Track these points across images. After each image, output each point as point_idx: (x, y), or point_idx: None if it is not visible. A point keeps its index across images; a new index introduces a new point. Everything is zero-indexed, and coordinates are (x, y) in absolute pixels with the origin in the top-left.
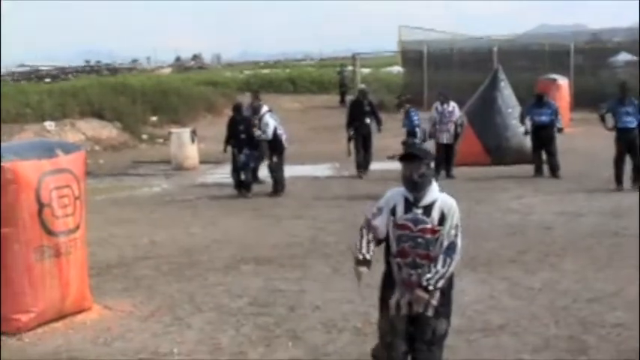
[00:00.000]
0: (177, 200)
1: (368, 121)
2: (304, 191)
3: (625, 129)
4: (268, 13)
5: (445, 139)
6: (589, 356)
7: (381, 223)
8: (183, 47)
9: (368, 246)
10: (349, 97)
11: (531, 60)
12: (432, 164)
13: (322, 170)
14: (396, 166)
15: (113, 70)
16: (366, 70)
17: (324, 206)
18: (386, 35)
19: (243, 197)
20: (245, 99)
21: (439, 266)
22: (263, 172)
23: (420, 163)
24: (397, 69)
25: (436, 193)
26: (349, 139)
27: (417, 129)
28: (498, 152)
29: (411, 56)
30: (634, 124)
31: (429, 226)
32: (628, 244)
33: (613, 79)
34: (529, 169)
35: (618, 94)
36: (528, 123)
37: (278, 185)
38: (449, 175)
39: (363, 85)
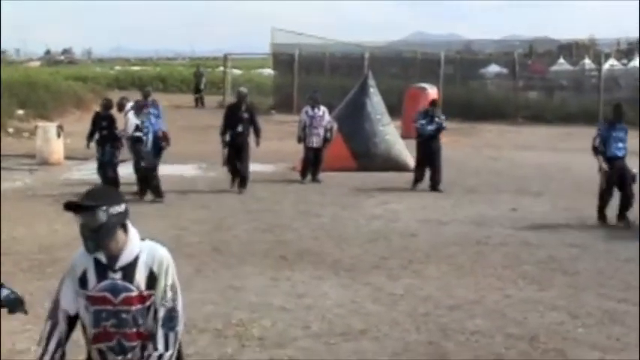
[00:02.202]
0: (39, 195)
1: (241, 129)
2: (169, 191)
3: (614, 157)
4: (142, 9)
5: (314, 143)
6: None
7: (69, 300)
8: (53, 40)
9: (57, 352)
10: (219, 100)
11: (403, 67)
12: (122, 207)
13: (189, 170)
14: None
15: None
16: (237, 72)
17: (189, 206)
18: (259, 37)
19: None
20: (115, 95)
21: (160, 347)
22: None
23: (95, 212)
24: (268, 71)
25: (137, 246)
26: (224, 146)
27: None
28: (365, 158)
29: (282, 59)
30: (623, 152)
31: (134, 293)
32: (490, 253)
33: (482, 90)
34: (395, 175)
35: (610, 117)
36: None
37: (144, 185)
38: (315, 180)
39: (243, 88)
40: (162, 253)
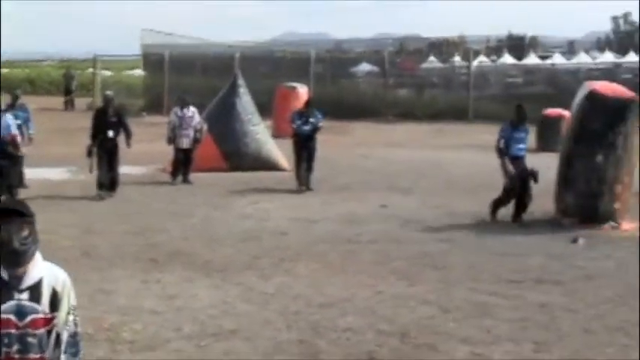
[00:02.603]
0: None
1: (112, 134)
2: (38, 194)
3: (515, 157)
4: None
5: (184, 144)
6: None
7: None
8: None
9: None
10: (89, 102)
11: (273, 67)
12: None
13: (59, 173)
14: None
15: None
16: (107, 73)
17: (59, 210)
18: (129, 38)
19: None
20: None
21: None
22: None
23: (23, 223)
24: (139, 72)
25: (42, 266)
26: (89, 154)
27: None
28: (236, 158)
29: (152, 60)
30: (523, 153)
31: (40, 315)
32: (361, 250)
33: (353, 89)
34: (266, 174)
35: (512, 118)
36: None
37: (10, 190)
38: (186, 181)
39: (109, 92)
40: (64, 275)
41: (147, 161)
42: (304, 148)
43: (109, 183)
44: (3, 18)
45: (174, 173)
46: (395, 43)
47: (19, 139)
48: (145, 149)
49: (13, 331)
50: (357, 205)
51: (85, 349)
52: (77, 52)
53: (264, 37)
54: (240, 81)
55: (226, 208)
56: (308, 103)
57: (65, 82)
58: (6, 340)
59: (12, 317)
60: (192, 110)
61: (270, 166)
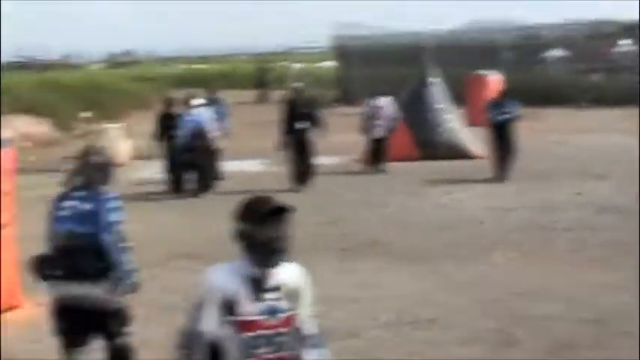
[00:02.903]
0: None
1: (302, 126)
2: (236, 186)
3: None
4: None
5: (378, 133)
6: (518, 349)
7: (214, 330)
8: (116, 42)
9: None
10: (283, 95)
11: (462, 55)
12: None
13: (254, 165)
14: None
15: (45, 66)
16: (299, 65)
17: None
18: (320, 30)
19: (175, 193)
20: (180, 94)
21: None
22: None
23: (287, 220)
24: (330, 64)
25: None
26: (282, 146)
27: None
28: (429, 147)
29: (343, 51)
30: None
31: (288, 313)
32: (557, 238)
33: (544, 75)
34: (459, 163)
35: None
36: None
37: (207, 182)
38: (380, 170)
39: (298, 84)
40: (301, 268)
41: (341, 152)
42: (500, 137)
43: (302, 175)
44: (198, 16)
45: (368, 163)
46: (586, 28)
47: (214, 133)
48: (338, 140)
49: (265, 331)
50: (552, 193)
51: None
52: (270, 45)
53: (452, 26)
54: (432, 70)
55: (421, 197)
56: (504, 93)
57: (259, 75)
58: (259, 342)
59: (264, 318)
60: (384, 100)
61: (464, 154)
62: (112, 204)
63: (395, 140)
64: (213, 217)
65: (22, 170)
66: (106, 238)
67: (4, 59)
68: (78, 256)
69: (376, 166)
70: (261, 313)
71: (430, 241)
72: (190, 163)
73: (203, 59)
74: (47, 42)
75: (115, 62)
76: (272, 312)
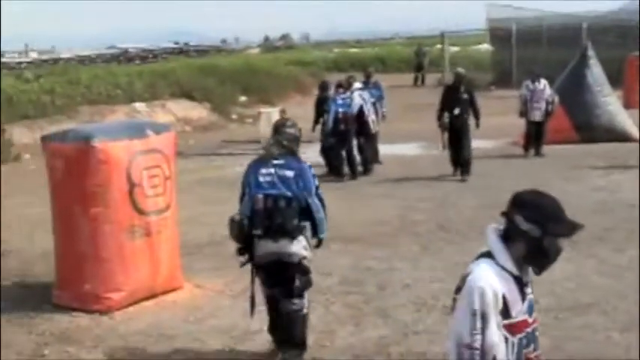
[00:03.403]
0: None
1: (459, 111)
2: (393, 170)
3: None
4: None
5: (537, 116)
6: None
7: (496, 339)
8: (271, 27)
9: None
10: (438, 78)
11: (621, 37)
12: None
13: (411, 149)
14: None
15: (202, 52)
16: (455, 49)
17: (413, 185)
18: (474, 13)
19: (334, 177)
20: (334, 78)
21: None
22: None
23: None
24: (485, 47)
25: None
26: (443, 130)
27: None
28: (587, 130)
29: (499, 34)
30: None
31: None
32: None
33: None
34: (618, 146)
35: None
36: None
37: (367, 165)
38: (538, 154)
39: (460, 69)
40: None
41: (498, 135)
42: None
43: (461, 163)
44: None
45: (526, 146)
46: None
47: (372, 116)
48: (495, 123)
49: (529, 330)
50: None
51: (443, 322)
52: (424, 28)
53: (612, 6)
54: (590, 52)
55: (579, 181)
56: None
57: (416, 58)
58: (525, 342)
59: (526, 317)
60: (543, 83)
61: (623, 137)
62: (312, 171)
63: (553, 123)
64: (370, 200)
65: (181, 154)
66: (315, 201)
67: (161, 45)
68: (278, 216)
69: (534, 149)
70: (526, 312)
71: (587, 224)
72: (332, 147)
73: (357, 43)
74: (204, 27)
75: (270, 47)
76: (531, 308)
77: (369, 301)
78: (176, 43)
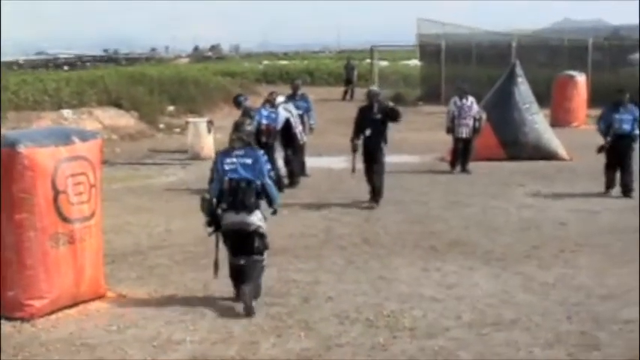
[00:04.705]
0: (192, 189)
1: (370, 133)
2: (320, 183)
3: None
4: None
5: (464, 133)
6: (601, 352)
7: None
8: (201, 36)
9: None
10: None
11: (550, 55)
12: None
13: (338, 162)
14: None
15: (131, 60)
16: (383, 63)
17: (339, 198)
18: (404, 28)
19: None
20: (263, 89)
21: None
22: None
23: None
24: (415, 62)
25: None
26: (354, 151)
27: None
28: (515, 147)
29: (428, 50)
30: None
31: None
32: None
33: (631, 77)
34: (544, 164)
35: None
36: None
37: (294, 177)
38: (465, 170)
39: (373, 87)
40: None
41: (425, 150)
42: (617, 150)
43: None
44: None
45: (453, 162)
46: None
47: (299, 128)
48: (423, 138)
49: None
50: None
51: (366, 335)
52: (353, 42)
53: (541, 25)
54: (519, 70)
55: (505, 198)
56: (620, 99)
57: (346, 72)
58: None
59: None
60: (470, 100)
61: (549, 155)
62: (265, 158)
63: (480, 140)
64: (296, 213)
65: (107, 162)
66: (267, 181)
67: (90, 52)
68: (240, 194)
69: (460, 165)
70: None
71: (514, 241)
72: (284, 160)
73: (286, 56)
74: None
75: (200, 57)
76: None
77: (293, 313)
78: (105, 51)
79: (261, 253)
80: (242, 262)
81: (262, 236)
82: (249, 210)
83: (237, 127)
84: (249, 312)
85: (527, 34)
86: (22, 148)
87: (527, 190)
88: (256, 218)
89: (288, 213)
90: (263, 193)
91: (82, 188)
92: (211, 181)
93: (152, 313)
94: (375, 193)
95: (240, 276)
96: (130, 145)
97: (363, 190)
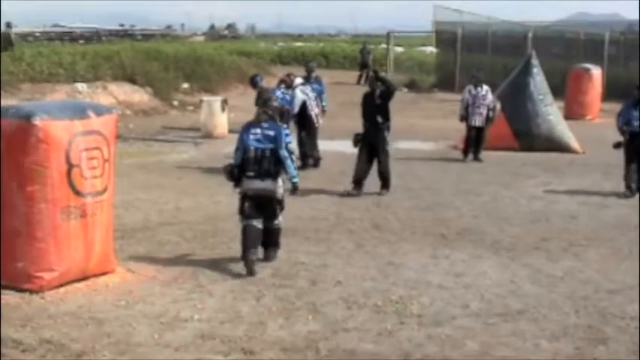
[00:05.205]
0: (204, 168)
1: (379, 120)
2: (331, 166)
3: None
4: None
5: (477, 121)
6: (607, 347)
7: None
8: (217, 15)
9: None
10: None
11: (566, 48)
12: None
13: (350, 146)
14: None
15: (147, 36)
16: (399, 49)
17: (350, 182)
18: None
19: None
20: (278, 70)
21: None
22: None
23: None
24: (430, 49)
25: None
26: (355, 143)
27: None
28: (527, 138)
29: (445, 37)
30: None
31: None
32: None
33: None
34: (557, 156)
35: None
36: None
37: (306, 159)
38: (476, 159)
39: (373, 69)
40: None
41: (438, 137)
42: (635, 146)
43: (380, 177)
44: None
45: (465, 151)
46: None
47: (315, 111)
48: (436, 125)
49: None
50: None
51: (373, 320)
52: (370, 27)
53: (557, 17)
54: (534, 60)
55: (516, 188)
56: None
57: (361, 56)
58: None
59: None
60: (485, 88)
61: (562, 147)
62: (286, 132)
63: (494, 129)
64: (306, 195)
65: (120, 137)
66: (284, 152)
67: (106, 27)
68: (264, 162)
69: (473, 154)
70: None
71: (523, 232)
72: (299, 142)
73: (302, 38)
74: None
75: (215, 35)
76: None
77: (301, 295)
78: (121, 26)
79: (278, 217)
80: (260, 226)
81: (281, 202)
82: (274, 177)
83: (265, 102)
84: (250, 273)
85: (543, 26)
86: (37, 121)
87: (539, 181)
88: (277, 185)
89: (298, 195)
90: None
91: (95, 163)
92: (237, 150)
93: (160, 290)
94: (383, 182)
95: (253, 240)
96: (144, 120)
97: (374, 176)
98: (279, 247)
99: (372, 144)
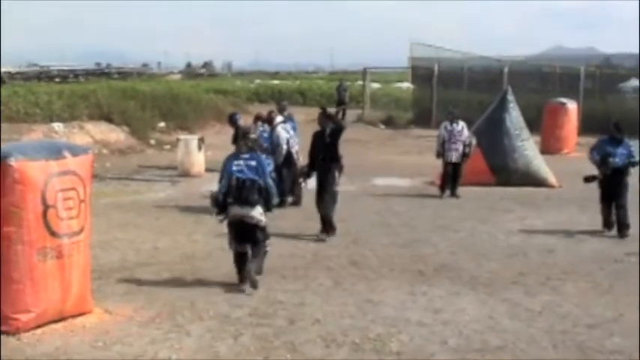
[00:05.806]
0: (181, 207)
1: (321, 158)
2: (308, 204)
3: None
4: (281, 23)
5: (453, 157)
6: None
7: None
8: (194, 53)
9: None
10: (358, 114)
11: (542, 82)
12: None
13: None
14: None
15: (124, 74)
16: (376, 85)
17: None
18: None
19: None
20: (255, 108)
21: None
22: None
23: None
24: (407, 85)
25: None
26: (303, 177)
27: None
28: (504, 173)
29: (421, 73)
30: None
31: None
32: (629, 270)
33: (621, 105)
34: (533, 190)
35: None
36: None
37: (283, 197)
38: (454, 195)
39: (326, 109)
40: None
41: (415, 173)
42: (611, 185)
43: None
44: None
45: (442, 187)
46: None
47: (296, 148)
48: (413, 161)
49: None
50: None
51: (351, 358)
52: (347, 63)
53: (532, 52)
54: (510, 96)
55: (493, 223)
56: (617, 131)
57: (338, 93)
58: None
59: None
60: (461, 124)
61: (539, 182)
62: (267, 162)
63: (470, 165)
64: (283, 233)
65: (97, 177)
66: (269, 181)
67: (82, 66)
68: (244, 191)
69: (450, 190)
70: None
71: (500, 267)
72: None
73: (278, 75)
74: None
75: (192, 73)
76: None
77: (279, 334)
78: (98, 64)
79: (264, 241)
80: (247, 250)
81: (263, 229)
82: (252, 205)
83: (244, 134)
84: (254, 286)
85: (519, 61)
86: (13, 162)
87: (516, 216)
88: (257, 212)
89: (276, 233)
90: (264, 191)
91: (71, 203)
92: (221, 179)
93: (138, 331)
94: (324, 224)
95: (245, 261)
96: (120, 160)
97: (352, 213)
98: (260, 271)
99: (321, 182)
